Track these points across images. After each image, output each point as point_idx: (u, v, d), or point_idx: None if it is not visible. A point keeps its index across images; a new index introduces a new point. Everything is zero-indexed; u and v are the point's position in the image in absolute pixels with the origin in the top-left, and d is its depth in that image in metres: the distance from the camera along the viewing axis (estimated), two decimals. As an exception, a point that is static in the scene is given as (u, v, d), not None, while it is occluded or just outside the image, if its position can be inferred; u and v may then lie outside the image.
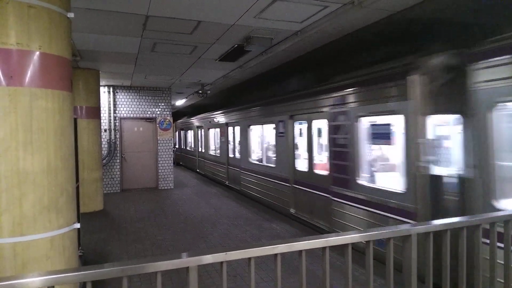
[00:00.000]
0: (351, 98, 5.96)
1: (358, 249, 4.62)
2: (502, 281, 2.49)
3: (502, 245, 2.46)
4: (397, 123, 5.12)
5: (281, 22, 5.53)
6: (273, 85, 11.31)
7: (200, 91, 12.40)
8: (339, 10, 4.90)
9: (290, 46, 6.57)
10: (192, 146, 19.10)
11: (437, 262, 2.34)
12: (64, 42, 3.36)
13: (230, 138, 12.59)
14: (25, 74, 3.04)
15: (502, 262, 2.48)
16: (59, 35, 3.27)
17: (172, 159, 12.66)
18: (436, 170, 4.55)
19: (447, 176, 4.44)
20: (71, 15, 3.44)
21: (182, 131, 22.56)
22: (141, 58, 7.90)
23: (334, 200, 6.40)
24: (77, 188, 4.67)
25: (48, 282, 1.48)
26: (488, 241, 2.44)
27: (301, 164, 7.91)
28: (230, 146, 12.66)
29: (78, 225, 3.64)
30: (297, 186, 7.87)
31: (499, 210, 3.55)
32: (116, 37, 6.31)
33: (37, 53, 3.09)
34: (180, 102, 17.18)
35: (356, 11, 4.80)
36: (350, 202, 5.93)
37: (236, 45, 6.83)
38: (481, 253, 2.38)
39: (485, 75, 3.86)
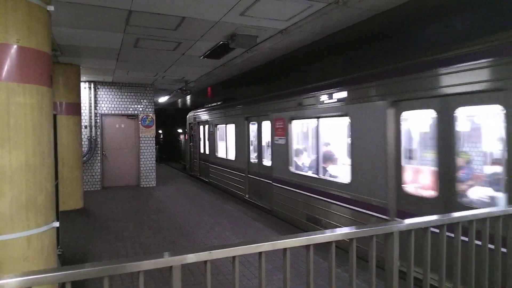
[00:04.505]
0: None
1: (342, 247, 4.68)
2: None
3: (479, 243, 2.52)
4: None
5: (267, 20, 5.52)
6: (233, 91, 13.20)
7: (184, 88, 12.29)
8: (324, 9, 4.92)
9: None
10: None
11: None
12: (44, 35, 3.26)
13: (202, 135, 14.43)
14: (1, 68, 2.94)
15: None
16: (38, 29, 3.18)
17: (154, 156, 12.51)
18: None
19: None
20: (51, 8, 3.34)
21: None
22: (124, 53, 7.76)
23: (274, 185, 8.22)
24: (57, 185, 4.56)
25: (25, 283, 1.43)
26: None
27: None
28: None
29: (57, 224, 3.57)
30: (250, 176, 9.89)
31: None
32: (98, 32, 6.17)
33: (15, 46, 3.00)
34: (163, 99, 16.98)
35: (340, 10, 4.83)
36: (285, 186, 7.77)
37: (221, 42, 6.78)
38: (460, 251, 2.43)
39: None
